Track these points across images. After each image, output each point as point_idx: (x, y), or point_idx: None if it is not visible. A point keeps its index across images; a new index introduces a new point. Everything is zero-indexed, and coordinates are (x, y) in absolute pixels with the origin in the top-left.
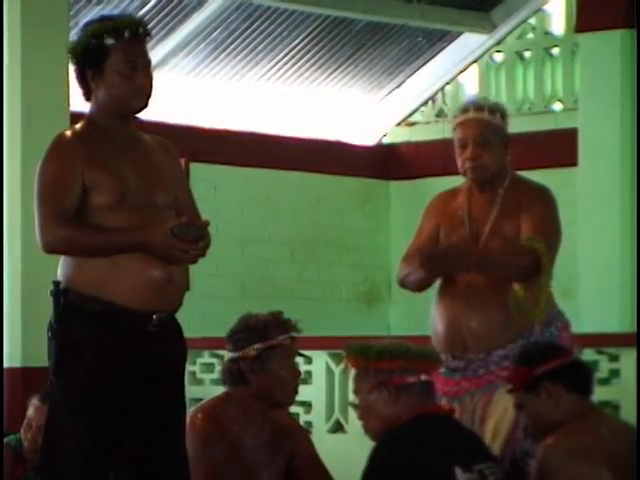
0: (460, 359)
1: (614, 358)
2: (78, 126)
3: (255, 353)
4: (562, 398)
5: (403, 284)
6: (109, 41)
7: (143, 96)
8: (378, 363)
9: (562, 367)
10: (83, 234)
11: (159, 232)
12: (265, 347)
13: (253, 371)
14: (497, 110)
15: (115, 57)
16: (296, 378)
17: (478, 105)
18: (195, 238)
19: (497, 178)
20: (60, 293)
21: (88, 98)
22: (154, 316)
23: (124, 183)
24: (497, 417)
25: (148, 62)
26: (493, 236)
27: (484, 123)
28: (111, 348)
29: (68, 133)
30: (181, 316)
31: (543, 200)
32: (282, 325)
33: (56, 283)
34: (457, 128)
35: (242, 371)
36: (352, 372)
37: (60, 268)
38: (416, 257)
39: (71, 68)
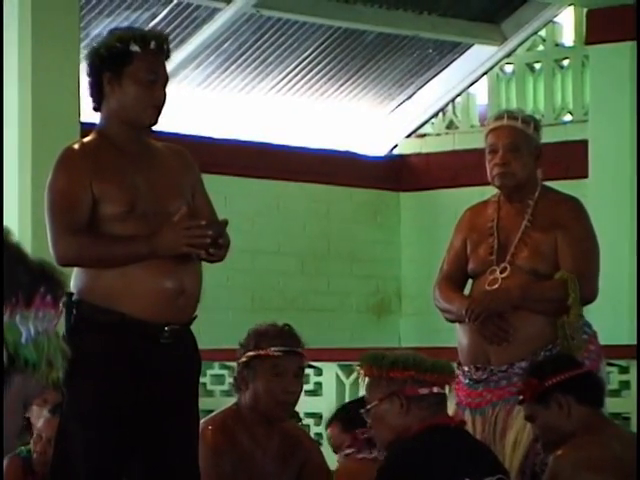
0: (483, 370)
1: (624, 370)
2: (87, 139)
3: (245, 360)
4: (573, 409)
5: (439, 310)
6: (134, 48)
7: (156, 110)
8: (391, 372)
9: (573, 379)
10: (95, 243)
11: (167, 226)
12: (254, 356)
13: (244, 379)
14: (531, 121)
15: (137, 65)
16: (286, 394)
17: (512, 114)
18: (214, 236)
19: (526, 188)
20: (72, 305)
21: (98, 108)
22: (166, 328)
23: (133, 193)
24: (517, 429)
25: (167, 78)
26: (522, 245)
27: (516, 131)
28: (123, 360)
29: (76, 146)
30: (191, 327)
31: (579, 215)
32: (278, 337)
33: (69, 295)
34: (489, 134)
35: (236, 378)
36: (365, 381)
37: (73, 280)
38: (449, 283)
39: (82, 79)
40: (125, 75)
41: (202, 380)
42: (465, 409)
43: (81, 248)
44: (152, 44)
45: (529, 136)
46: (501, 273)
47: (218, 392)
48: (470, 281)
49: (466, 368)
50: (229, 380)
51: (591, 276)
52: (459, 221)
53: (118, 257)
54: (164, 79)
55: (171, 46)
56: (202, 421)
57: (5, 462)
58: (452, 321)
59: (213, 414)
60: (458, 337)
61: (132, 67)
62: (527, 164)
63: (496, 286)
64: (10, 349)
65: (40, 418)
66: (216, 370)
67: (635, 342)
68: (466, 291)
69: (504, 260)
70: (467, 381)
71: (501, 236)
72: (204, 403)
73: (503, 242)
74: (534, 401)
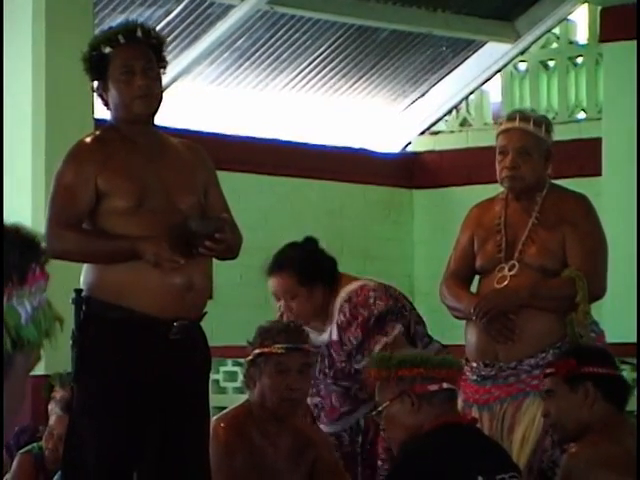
0: (491, 367)
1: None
2: (98, 132)
3: (252, 358)
4: (597, 404)
5: (446, 307)
6: (106, 50)
7: (145, 99)
8: (399, 371)
9: (608, 376)
10: (81, 239)
11: (150, 240)
12: (259, 353)
13: (252, 377)
14: (542, 122)
15: (113, 64)
16: (290, 391)
17: (524, 115)
18: (211, 231)
19: (535, 188)
20: (82, 301)
21: (108, 107)
22: (175, 323)
23: (142, 188)
24: (526, 425)
25: (148, 65)
26: (530, 242)
27: (528, 134)
28: (132, 356)
29: (87, 140)
30: (204, 324)
31: (586, 212)
32: (282, 333)
33: (78, 291)
34: (500, 135)
35: (245, 376)
36: (377, 385)
37: (82, 276)
38: (457, 280)
39: None
40: (108, 78)
41: (215, 377)
42: (472, 406)
43: (68, 242)
44: (120, 38)
45: (540, 139)
46: (509, 271)
47: (231, 389)
48: (477, 278)
49: (474, 364)
50: (242, 377)
51: (599, 273)
52: (466, 218)
53: (100, 255)
54: (145, 67)
55: (185, 42)
56: (214, 418)
57: (17, 459)
58: (460, 318)
59: (225, 411)
60: (466, 334)
61: (111, 68)
62: (537, 167)
63: (505, 284)
64: (12, 334)
65: (52, 415)
66: (229, 367)
67: None
68: (473, 288)
69: (512, 257)
70: (475, 377)
71: (508, 233)
72: (217, 400)
73: (511, 239)
74: (563, 379)
